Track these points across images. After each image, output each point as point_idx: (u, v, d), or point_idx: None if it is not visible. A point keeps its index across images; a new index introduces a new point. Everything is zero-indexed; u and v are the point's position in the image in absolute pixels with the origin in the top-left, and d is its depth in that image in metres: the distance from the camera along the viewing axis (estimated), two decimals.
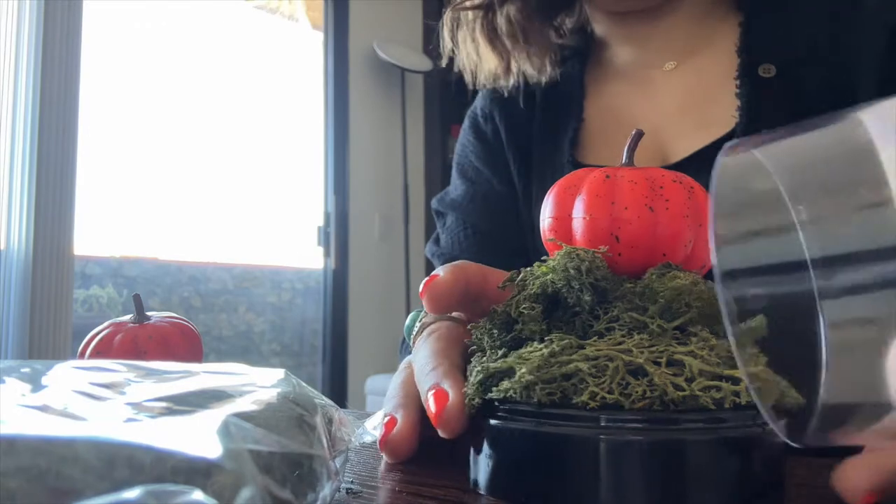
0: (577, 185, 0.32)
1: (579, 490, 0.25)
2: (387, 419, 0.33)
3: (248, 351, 2.54)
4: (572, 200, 0.31)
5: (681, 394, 0.25)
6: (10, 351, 1.77)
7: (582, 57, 0.68)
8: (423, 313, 0.39)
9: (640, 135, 0.33)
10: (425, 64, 2.91)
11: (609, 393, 0.25)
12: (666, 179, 0.30)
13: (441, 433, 0.30)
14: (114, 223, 2.20)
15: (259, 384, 0.23)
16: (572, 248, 0.29)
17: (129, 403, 0.20)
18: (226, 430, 0.18)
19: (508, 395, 0.27)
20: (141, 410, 0.19)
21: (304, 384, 0.25)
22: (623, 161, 0.33)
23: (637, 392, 0.25)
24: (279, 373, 0.25)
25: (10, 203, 1.80)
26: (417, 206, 2.98)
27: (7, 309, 1.79)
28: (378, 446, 0.32)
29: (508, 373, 0.28)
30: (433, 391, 0.30)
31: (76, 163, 1.87)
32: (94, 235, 2.11)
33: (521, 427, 0.27)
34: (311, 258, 2.76)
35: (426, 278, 0.34)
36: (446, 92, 3.04)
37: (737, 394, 0.25)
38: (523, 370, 0.27)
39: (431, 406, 0.30)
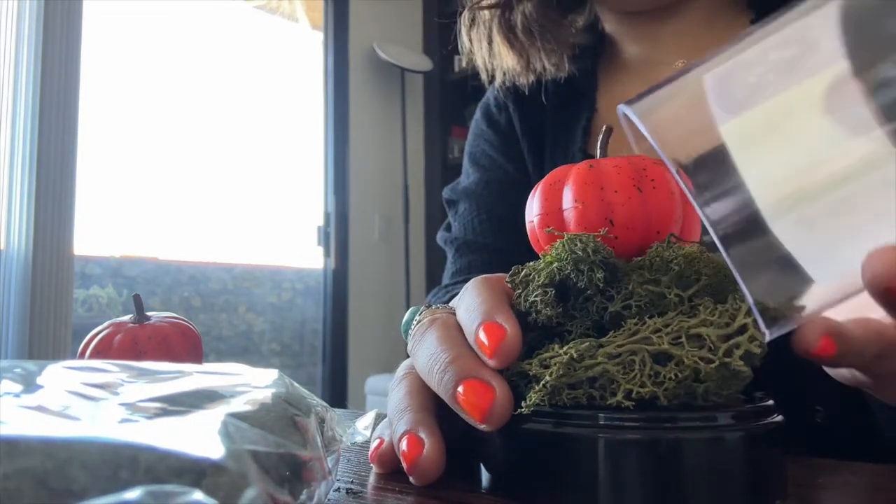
0: (562, 179, 0.32)
1: (581, 489, 0.25)
2: (406, 437, 0.30)
3: (248, 351, 2.54)
4: (559, 194, 0.32)
5: (711, 366, 0.25)
6: (10, 351, 1.77)
7: (593, 53, 0.69)
8: (422, 308, 0.38)
9: (609, 130, 0.34)
10: (425, 64, 2.91)
11: (642, 387, 0.25)
12: (647, 162, 0.31)
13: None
14: (114, 223, 2.20)
15: (253, 384, 0.23)
16: (572, 234, 0.29)
17: (123, 404, 0.20)
18: (225, 431, 0.18)
19: (538, 405, 0.27)
20: (136, 411, 0.19)
21: (296, 384, 0.25)
22: (598, 156, 0.33)
23: (670, 378, 0.25)
24: (273, 373, 0.25)
25: (10, 203, 1.80)
26: (417, 206, 2.98)
27: (7, 309, 1.79)
28: (405, 469, 0.30)
29: (528, 376, 0.28)
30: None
31: (76, 163, 1.88)
32: (94, 235, 2.11)
33: (525, 427, 0.27)
34: (311, 258, 2.76)
35: (487, 332, 0.29)
36: (446, 92, 3.04)
37: (752, 339, 0.26)
38: (547, 378, 0.27)
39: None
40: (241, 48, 2.59)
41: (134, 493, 0.14)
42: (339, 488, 0.30)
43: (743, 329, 0.26)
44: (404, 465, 0.30)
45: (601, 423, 0.26)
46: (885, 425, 0.45)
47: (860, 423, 0.46)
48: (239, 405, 0.21)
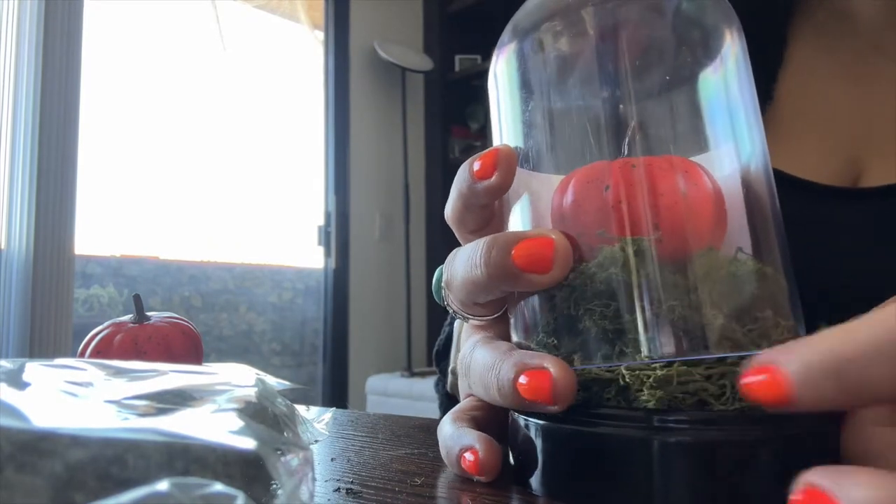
0: (599, 178, 0.29)
1: (632, 492, 0.25)
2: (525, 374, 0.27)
3: (248, 351, 2.54)
4: (598, 193, 0.29)
5: None
6: (11, 351, 1.77)
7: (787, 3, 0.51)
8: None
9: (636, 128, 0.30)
10: (425, 64, 2.91)
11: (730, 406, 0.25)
12: (686, 164, 0.30)
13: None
14: (114, 223, 2.20)
15: (234, 383, 0.23)
16: (626, 238, 0.27)
17: (109, 401, 0.20)
18: (245, 426, 0.19)
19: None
20: (123, 408, 0.19)
21: (267, 381, 0.25)
22: (624, 154, 0.30)
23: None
24: (249, 370, 0.25)
25: (10, 203, 1.80)
26: (418, 205, 2.98)
27: (7, 309, 1.79)
28: (539, 402, 0.26)
29: (607, 383, 0.27)
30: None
31: (76, 163, 1.88)
32: (95, 235, 2.11)
33: (571, 428, 0.27)
34: (312, 258, 2.76)
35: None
36: (447, 92, 3.04)
37: None
38: (644, 394, 0.26)
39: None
40: (241, 48, 2.59)
41: (164, 485, 0.14)
42: (339, 488, 0.30)
43: None
44: (535, 400, 0.26)
45: (655, 424, 0.25)
46: None
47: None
48: (226, 403, 0.21)
